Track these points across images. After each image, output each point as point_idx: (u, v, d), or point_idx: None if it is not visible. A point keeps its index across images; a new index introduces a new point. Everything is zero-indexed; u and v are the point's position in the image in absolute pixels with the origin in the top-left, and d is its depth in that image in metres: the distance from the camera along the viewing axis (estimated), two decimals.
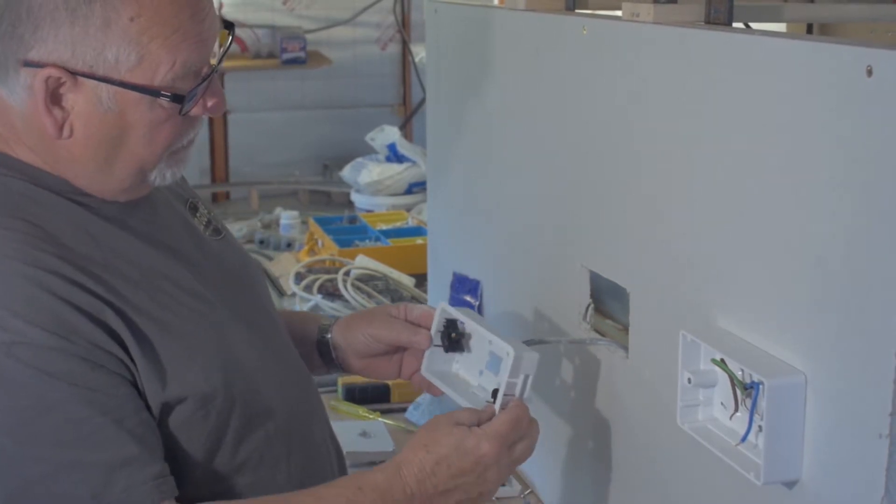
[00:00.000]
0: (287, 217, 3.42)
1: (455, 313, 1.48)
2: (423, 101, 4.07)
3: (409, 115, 4.72)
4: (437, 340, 1.49)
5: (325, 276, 2.76)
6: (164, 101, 1.21)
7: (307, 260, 2.99)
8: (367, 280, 2.74)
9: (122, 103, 1.20)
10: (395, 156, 3.84)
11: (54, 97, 1.19)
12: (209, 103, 1.26)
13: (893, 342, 0.96)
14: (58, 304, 1.15)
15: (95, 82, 1.19)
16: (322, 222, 3.25)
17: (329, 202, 4.08)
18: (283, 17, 4.66)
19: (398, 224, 3.32)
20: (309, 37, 4.63)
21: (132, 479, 1.16)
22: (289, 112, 4.80)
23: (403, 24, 4.79)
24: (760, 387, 1.11)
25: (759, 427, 1.12)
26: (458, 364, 1.50)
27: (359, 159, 3.87)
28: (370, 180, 3.72)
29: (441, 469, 1.29)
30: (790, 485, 1.12)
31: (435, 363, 1.50)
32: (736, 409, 1.18)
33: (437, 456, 1.29)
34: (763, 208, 1.14)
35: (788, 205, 1.10)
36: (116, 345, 1.18)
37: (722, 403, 1.21)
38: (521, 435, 1.34)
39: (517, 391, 1.37)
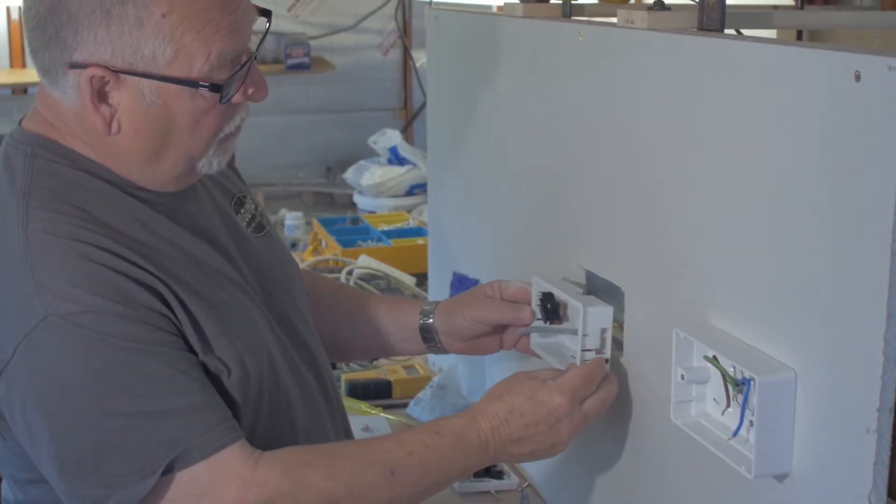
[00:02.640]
0: (291, 218, 3.42)
1: (547, 285, 1.50)
2: (423, 106, 4.07)
3: (410, 118, 4.72)
4: (538, 314, 1.51)
5: (329, 276, 2.76)
6: (204, 92, 1.23)
7: (311, 260, 2.99)
8: (369, 279, 2.73)
9: (164, 96, 1.23)
10: (396, 158, 3.83)
11: (100, 95, 1.23)
12: (250, 90, 1.29)
13: (880, 340, 0.96)
14: (113, 275, 1.19)
15: (137, 78, 1.22)
16: (325, 223, 3.25)
17: (332, 203, 4.07)
18: (288, 24, 4.65)
19: (399, 225, 3.31)
20: (313, 43, 4.62)
21: (208, 423, 1.19)
22: (293, 116, 4.79)
23: (405, 31, 4.78)
24: (752, 383, 1.11)
25: (751, 422, 1.12)
26: (562, 333, 1.50)
27: (361, 162, 3.86)
28: (372, 182, 3.71)
29: (514, 418, 1.32)
30: (780, 478, 1.12)
31: (540, 336, 1.52)
32: (728, 405, 1.18)
33: (510, 405, 1.32)
34: (754, 209, 1.14)
35: (779, 206, 1.09)
36: (168, 310, 1.22)
37: (714, 399, 1.21)
38: (593, 388, 1.36)
39: (597, 346, 1.40)
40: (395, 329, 1.63)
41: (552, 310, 1.49)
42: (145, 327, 1.18)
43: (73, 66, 1.21)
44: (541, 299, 1.50)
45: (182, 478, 1.17)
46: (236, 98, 1.27)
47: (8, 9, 4.35)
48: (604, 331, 1.41)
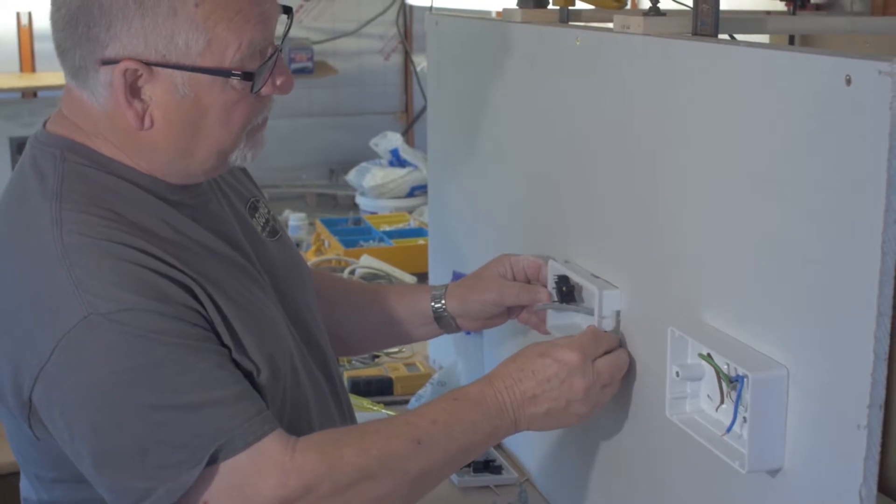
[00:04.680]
0: (295, 219, 3.42)
1: (562, 268, 1.51)
2: (424, 109, 4.07)
3: (410, 121, 4.71)
4: (554, 296, 1.52)
5: None
6: (235, 82, 1.23)
7: (314, 259, 2.99)
8: (371, 279, 2.73)
9: (197, 87, 1.22)
10: (397, 160, 3.83)
11: (133, 90, 1.22)
12: (278, 81, 1.28)
13: (871, 338, 0.96)
14: (148, 274, 1.19)
15: (170, 70, 1.21)
16: (328, 224, 3.24)
17: (335, 204, 4.07)
18: (292, 29, 4.65)
19: (400, 225, 3.31)
20: (316, 48, 4.61)
21: (247, 413, 1.19)
22: (297, 119, 4.79)
23: (406, 36, 4.78)
24: (745, 380, 1.11)
25: (744, 418, 1.12)
26: (578, 314, 1.51)
27: (363, 164, 3.86)
28: (374, 184, 3.71)
29: (526, 375, 1.33)
30: (773, 473, 1.12)
31: (556, 317, 1.53)
32: (722, 402, 1.18)
33: (521, 363, 1.35)
34: (747, 210, 1.14)
35: (771, 207, 1.10)
36: (201, 307, 1.22)
37: (708, 396, 1.21)
38: (602, 349, 1.37)
39: (613, 327, 1.42)
40: (407, 317, 1.64)
41: (567, 292, 1.50)
42: (182, 323, 1.19)
43: (105, 62, 1.20)
44: (556, 282, 1.52)
45: (225, 468, 1.17)
46: (266, 89, 1.27)
47: (18, 14, 4.35)
48: (618, 313, 1.42)
